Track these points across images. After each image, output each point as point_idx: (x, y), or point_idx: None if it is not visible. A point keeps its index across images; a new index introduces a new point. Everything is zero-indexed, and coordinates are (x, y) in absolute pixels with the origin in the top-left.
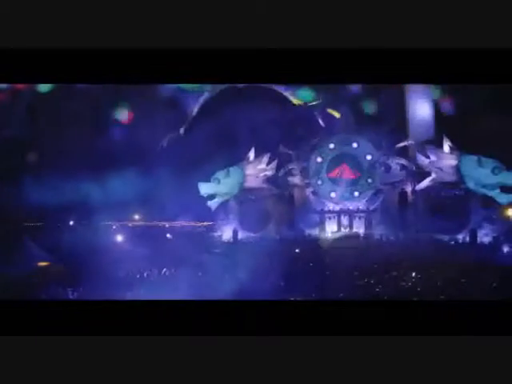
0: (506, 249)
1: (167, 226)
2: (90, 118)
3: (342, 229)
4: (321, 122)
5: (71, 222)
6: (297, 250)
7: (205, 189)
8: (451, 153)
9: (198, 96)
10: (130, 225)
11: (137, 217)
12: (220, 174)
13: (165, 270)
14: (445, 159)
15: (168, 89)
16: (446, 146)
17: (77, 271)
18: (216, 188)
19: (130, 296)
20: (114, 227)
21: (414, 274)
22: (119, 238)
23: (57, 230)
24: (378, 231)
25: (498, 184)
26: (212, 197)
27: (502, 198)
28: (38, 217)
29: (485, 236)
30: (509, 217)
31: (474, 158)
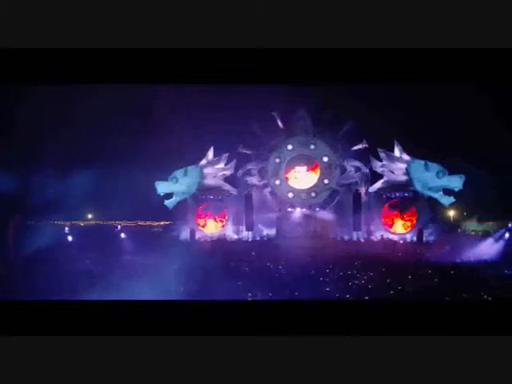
0: (447, 247)
1: (121, 225)
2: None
3: (300, 228)
4: (280, 123)
5: (18, 221)
6: (254, 250)
7: (162, 188)
8: (401, 157)
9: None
10: (82, 224)
11: (90, 216)
12: (178, 173)
13: (120, 270)
14: (396, 163)
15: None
16: (397, 151)
17: (24, 273)
18: (173, 187)
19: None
20: (66, 227)
21: (367, 273)
22: (70, 238)
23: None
24: (334, 231)
25: (441, 187)
26: (169, 196)
27: (445, 200)
28: None
29: (430, 235)
30: (450, 217)
31: (422, 162)
